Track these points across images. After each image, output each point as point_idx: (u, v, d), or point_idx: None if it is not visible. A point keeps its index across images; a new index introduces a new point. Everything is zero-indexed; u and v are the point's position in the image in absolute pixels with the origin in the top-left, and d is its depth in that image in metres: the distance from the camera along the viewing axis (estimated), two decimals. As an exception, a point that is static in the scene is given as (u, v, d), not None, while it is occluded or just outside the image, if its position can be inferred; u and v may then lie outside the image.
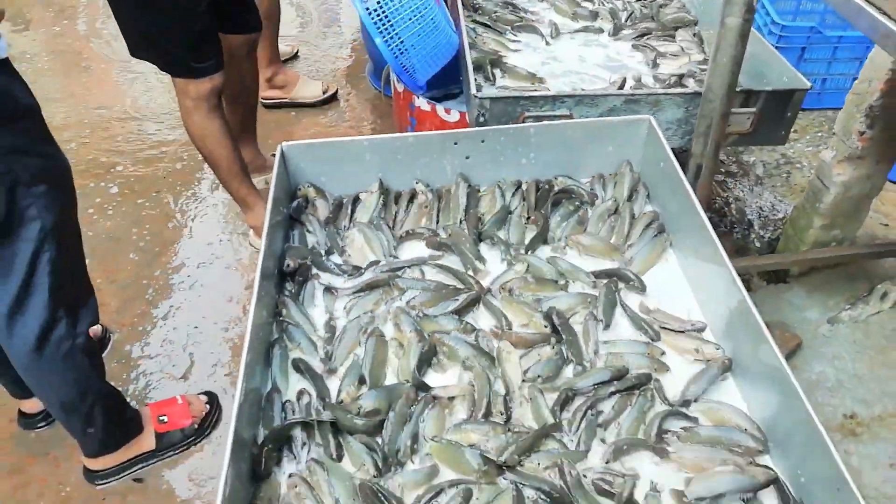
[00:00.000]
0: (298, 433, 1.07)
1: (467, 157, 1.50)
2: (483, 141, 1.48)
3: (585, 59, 2.08)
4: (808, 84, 1.70)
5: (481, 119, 1.65)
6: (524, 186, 1.52)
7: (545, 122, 1.53)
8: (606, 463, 1.04)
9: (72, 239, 1.37)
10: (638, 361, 1.17)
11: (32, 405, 1.79)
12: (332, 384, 1.17)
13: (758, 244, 2.27)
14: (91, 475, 1.68)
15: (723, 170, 2.50)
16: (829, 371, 1.87)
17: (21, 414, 1.80)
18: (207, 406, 1.81)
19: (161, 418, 1.72)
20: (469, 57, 1.81)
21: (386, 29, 1.90)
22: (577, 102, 1.67)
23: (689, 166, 1.63)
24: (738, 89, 1.64)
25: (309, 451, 1.06)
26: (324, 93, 3.07)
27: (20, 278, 1.27)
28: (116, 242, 2.36)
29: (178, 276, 2.27)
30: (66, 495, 1.68)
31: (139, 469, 1.70)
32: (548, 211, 1.45)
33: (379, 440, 1.07)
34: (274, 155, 2.67)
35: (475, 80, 1.72)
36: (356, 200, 1.49)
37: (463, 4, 2.10)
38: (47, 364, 1.37)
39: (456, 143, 1.49)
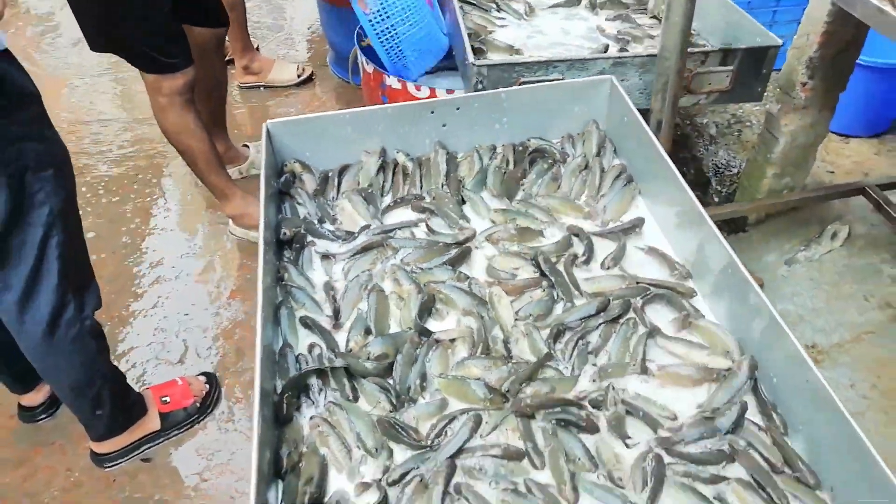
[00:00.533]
0: (314, 381, 1.15)
1: (444, 125, 1.59)
2: (458, 108, 1.57)
3: (569, 32, 2.20)
4: (780, 41, 1.84)
5: (479, 87, 1.76)
6: (500, 149, 1.61)
7: (515, 88, 1.63)
8: (593, 382, 1.14)
9: (75, 223, 1.41)
10: (620, 293, 1.28)
11: (32, 398, 1.81)
12: (340, 338, 1.24)
13: (716, 199, 2.41)
14: (99, 459, 1.72)
15: (679, 132, 2.64)
16: (790, 307, 2.02)
17: (21, 408, 1.83)
18: (207, 386, 1.87)
19: (163, 399, 1.77)
20: (465, 31, 1.93)
21: (387, 39, 2.09)
22: (568, 67, 1.79)
23: (650, 122, 1.75)
24: (717, 48, 1.78)
25: (326, 396, 1.14)
26: (299, 76, 3.13)
27: (30, 264, 1.31)
28: (97, 240, 2.39)
29: (163, 269, 2.31)
30: (76, 480, 1.72)
31: (146, 449, 1.75)
32: (526, 168, 1.55)
33: (390, 381, 1.15)
34: (246, 146, 2.75)
35: (472, 47, 1.86)
36: (342, 172, 1.56)
37: None
38: (57, 348, 1.42)
39: (433, 112, 1.57)
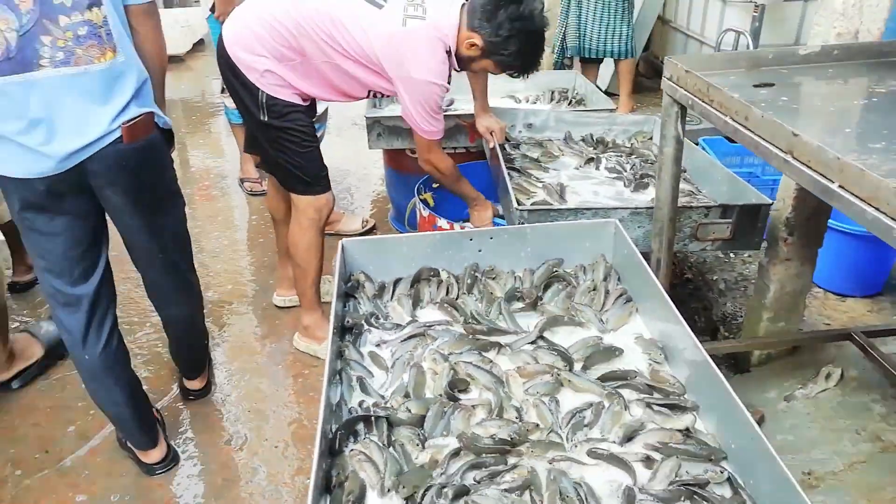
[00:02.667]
0: (361, 427, 1.45)
1: (479, 251, 1.99)
2: (491, 238, 1.98)
3: (599, 193, 2.63)
4: (770, 201, 2.25)
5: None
6: (520, 273, 1.98)
7: (536, 224, 2.03)
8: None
9: None
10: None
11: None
12: (385, 400, 1.55)
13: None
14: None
15: (691, 286, 2.98)
16: (789, 438, 2.21)
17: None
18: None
19: None
20: (511, 187, 2.39)
21: None
22: (593, 214, 2.21)
23: (651, 260, 2.11)
24: (717, 204, 2.21)
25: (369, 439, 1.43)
26: (363, 226, 3.66)
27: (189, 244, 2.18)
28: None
29: (234, 369, 2.67)
30: None
31: None
32: (540, 290, 1.91)
33: (420, 431, 1.44)
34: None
35: (516, 198, 2.31)
36: (396, 282, 1.95)
37: (502, 156, 2.70)
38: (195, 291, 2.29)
39: (471, 240, 1.97)
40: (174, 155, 2.07)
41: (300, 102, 2.37)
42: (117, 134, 1.73)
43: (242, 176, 4.38)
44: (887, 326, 2.40)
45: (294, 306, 3.01)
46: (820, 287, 2.86)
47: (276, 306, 3.10)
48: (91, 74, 1.67)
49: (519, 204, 2.35)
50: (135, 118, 1.74)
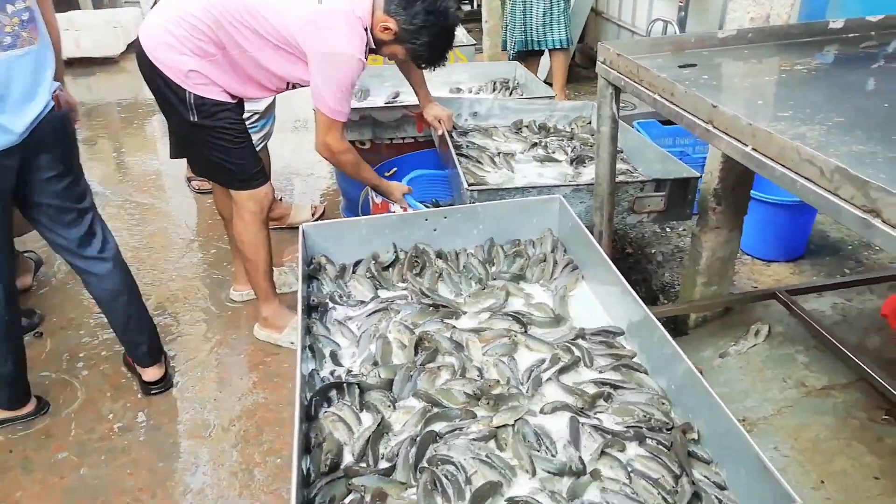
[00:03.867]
0: (334, 394, 1.54)
1: (434, 230, 2.10)
2: (445, 217, 2.09)
3: (543, 175, 2.78)
4: (698, 174, 2.43)
5: (472, 206, 2.28)
6: (472, 250, 2.10)
7: (487, 203, 2.16)
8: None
9: None
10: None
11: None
12: (353, 369, 1.65)
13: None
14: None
15: (631, 259, 3.17)
16: (725, 390, 2.40)
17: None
18: None
19: None
20: (461, 170, 2.49)
21: None
22: (539, 192, 2.34)
23: (594, 233, 2.26)
24: (651, 179, 2.34)
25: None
26: (313, 215, 3.71)
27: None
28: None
29: (195, 364, 2.71)
30: None
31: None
32: (499, 263, 2.04)
33: (390, 394, 1.54)
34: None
35: (465, 178, 2.42)
36: (356, 263, 2.04)
37: (452, 144, 2.81)
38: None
39: (426, 220, 2.09)
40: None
41: (228, 100, 2.41)
42: (52, 103, 2.01)
43: (189, 174, 4.37)
44: (808, 285, 2.63)
45: (252, 300, 3.06)
46: (749, 255, 3.09)
47: (234, 301, 3.14)
48: (32, 54, 1.93)
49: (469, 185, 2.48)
50: (56, 89, 2.03)
